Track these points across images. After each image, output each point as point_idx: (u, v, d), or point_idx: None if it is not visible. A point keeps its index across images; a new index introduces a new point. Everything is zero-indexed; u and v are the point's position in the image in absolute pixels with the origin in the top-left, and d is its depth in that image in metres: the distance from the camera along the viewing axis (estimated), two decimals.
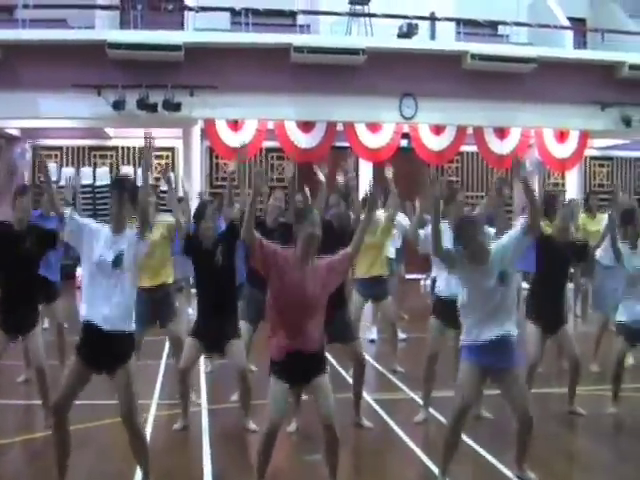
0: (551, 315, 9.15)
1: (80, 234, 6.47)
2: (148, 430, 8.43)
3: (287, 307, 6.31)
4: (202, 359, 11.96)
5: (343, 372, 10.92)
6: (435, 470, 7.20)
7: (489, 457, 7.75)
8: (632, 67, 22.88)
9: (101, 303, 6.32)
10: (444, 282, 8.93)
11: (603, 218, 12.20)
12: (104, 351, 6.36)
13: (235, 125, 22.13)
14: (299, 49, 20.57)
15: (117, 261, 6.37)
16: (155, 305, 9.25)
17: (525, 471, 7.10)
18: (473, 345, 6.80)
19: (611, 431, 9.05)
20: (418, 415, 9.08)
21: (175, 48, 20.06)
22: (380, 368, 11.80)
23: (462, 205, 9.09)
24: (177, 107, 20.29)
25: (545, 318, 9.12)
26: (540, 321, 9.11)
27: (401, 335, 13.66)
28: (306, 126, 22.46)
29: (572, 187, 25.69)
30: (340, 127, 22.83)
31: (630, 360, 11.71)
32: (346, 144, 22.89)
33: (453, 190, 9.46)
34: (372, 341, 13.89)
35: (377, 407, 9.64)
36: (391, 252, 14.14)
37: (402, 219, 13.78)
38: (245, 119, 21.99)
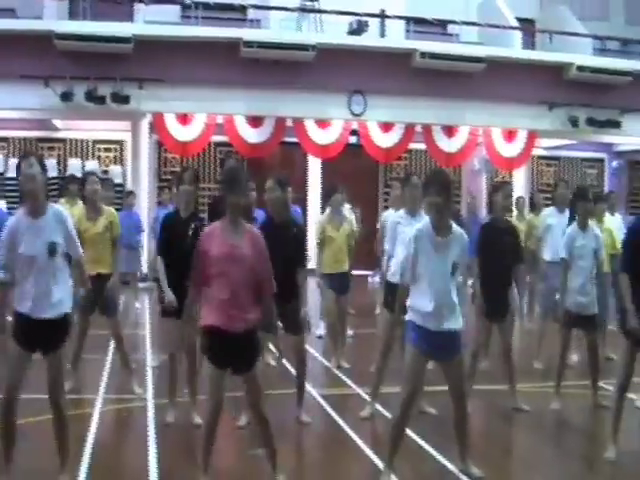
0: (496, 302, 9.18)
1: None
2: (93, 425, 8.38)
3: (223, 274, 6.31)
4: (148, 354, 11.93)
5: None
6: (381, 465, 7.22)
7: (433, 452, 7.79)
8: (580, 68, 23.13)
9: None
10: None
11: (548, 215, 12.33)
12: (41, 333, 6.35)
13: (184, 119, 22.01)
14: (249, 44, 20.51)
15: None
16: (95, 294, 9.22)
17: (469, 465, 7.15)
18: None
19: (555, 428, 9.15)
20: (364, 410, 9.10)
21: (124, 40, 19.90)
22: (327, 364, 11.82)
23: (417, 187, 9.01)
24: (126, 100, 20.14)
25: (491, 305, 9.17)
26: (486, 308, 9.18)
27: (348, 332, 13.72)
28: (255, 121, 22.41)
29: (519, 186, 25.86)
30: (289, 123, 22.81)
31: (575, 357, 11.82)
32: (295, 140, 22.91)
33: (408, 175, 9.61)
34: (320, 337, 13.88)
35: (324, 403, 9.65)
36: None
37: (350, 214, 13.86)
38: (194, 113, 21.89)
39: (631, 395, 9.84)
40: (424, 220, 7.03)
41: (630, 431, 8.44)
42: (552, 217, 12.11)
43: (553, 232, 11.92)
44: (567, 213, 11.15)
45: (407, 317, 6.98)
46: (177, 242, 8.44)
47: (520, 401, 9.44)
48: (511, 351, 9.40)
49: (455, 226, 6.93)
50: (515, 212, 15.95)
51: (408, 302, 6.95)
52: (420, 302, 6.79)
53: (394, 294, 8.47)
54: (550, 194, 13.33)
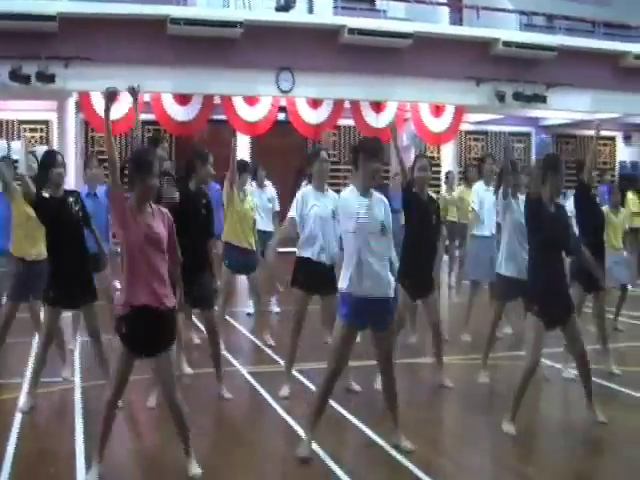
0: (422, 277, 9.20)
1: None
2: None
3: (138, 252, 6.27)
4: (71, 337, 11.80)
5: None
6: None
7: (363, 427, 7.85)
8: (506, 44, 23.34)
9: None
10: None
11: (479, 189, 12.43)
12: None
13: None
14: (176, 21, 20.34)
15: None
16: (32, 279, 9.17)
17: (400, 439, 7.22)
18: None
19: (484, 399, 9.23)
20: (282, 389, 9.08)
21: (49, 18, 19.59)
22: (256, 341, 11.83)
23: (326, 162, 9.01)
24: (51, 79, 19.89)
25: (417, 280, 9.17)
26: (412, 285, 9.18)
27: (275, 308, 13.77)
28: (183, 99, 22.29)
29: (447, 160, 26.08)
30: (217, 100, 22.71)
31: (508, 329, 12.01)
32: (223, 117, 22.82)
33: (317, 149, 9.60)
34: (249, 314, 13.89)
35: (252, 380, 9.68)
36: (269, 225, 14.10)
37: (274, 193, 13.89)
38: (121, 91, 21.56)
39: (558, 365, 10.06)
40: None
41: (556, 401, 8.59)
42: (482, 191, 12.23)
43: (483, 206, 12.03)
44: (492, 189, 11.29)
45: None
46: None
47: (446, 377, 9.51)
48: (439, 326, 9.44)
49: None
50: (444, 186, 16.07)
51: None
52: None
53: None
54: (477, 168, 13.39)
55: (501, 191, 9.51)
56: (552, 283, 7.72)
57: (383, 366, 7.23)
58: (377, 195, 7.08)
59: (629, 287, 13.08)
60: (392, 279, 7.07)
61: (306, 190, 8.83)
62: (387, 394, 7.32)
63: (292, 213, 8.79)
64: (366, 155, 6.95)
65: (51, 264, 8.34)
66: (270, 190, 13.93)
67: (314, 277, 8.70)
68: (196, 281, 8.38)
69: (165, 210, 6.56)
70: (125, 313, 6.29)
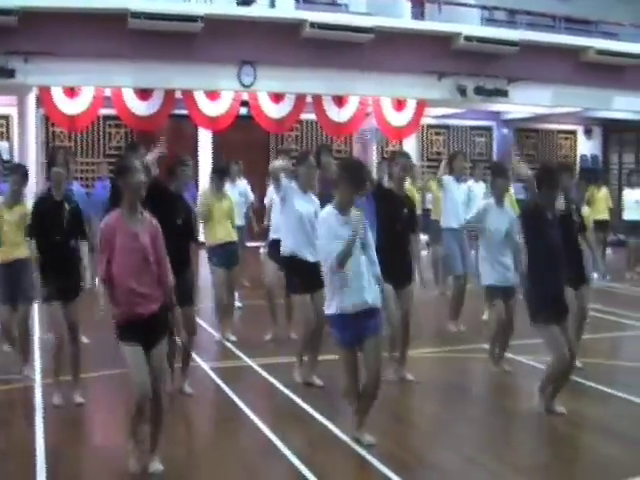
0: (399, 270, 9.18)
1: None
2: None
3: (128, 263, 6.29)
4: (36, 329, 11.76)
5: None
6: (273, 437, 7.27)
7: (327, 423, 7.85)
8: (467, 38, 23.33)
9: None
10: None
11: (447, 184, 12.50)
12: None
13: (71, 92, 21.59)
14: (136, 15, 20.14)
15: None
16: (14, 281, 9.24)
17: (362, 433, 7.24)
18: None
19: (449, 393, 9.29)
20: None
21: (9, 12, 19.29)
22: (218, 336, 11.80)
23: (314, 167, 9.12)
24: (11, 74, 19.65)
25: (395, 274, 9.16)
26: (391, 279, 9.16)
27: (237, 303, 13.79)
28: (144, 94, 22.12)
29: (410, 154, 26.10)
30: (179, 95, 22.59)
31: (484, 316, 12.17)
32: (185, 112, 22.73)
33: (305, 153, 9.67)
34: (240, 308, 13.99)
35: (214, 375, 9.67)
36: (240, 219, 14.20)
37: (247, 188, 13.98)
38: (82, 86, 21.48)
39: (519, 358, 10.14)
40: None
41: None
42: (451, 186, 12.32)
43: (452, 201, 12.16)
44: (464, 185, 11.42)
45: None
46: (51, 225, 8.42)
47: (407, 370, 9.53)
48: (408, 315, 9.44)
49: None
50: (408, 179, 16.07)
51: None
52: None
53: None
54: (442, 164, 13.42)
55: (493, 198, 9.69)
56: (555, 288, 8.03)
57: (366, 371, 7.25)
58: (355, 212, 7.12)
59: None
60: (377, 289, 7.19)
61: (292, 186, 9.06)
62: (366, 400, 7.34)
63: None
64: (350, 182, 7.05)
65: (41, 262, 8.42)
66: (242, 184, 14.23)
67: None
68: (178, 278, 8.38)
69: (154, 221, 6.54)
70: (120, 323, 6.38)
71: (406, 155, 9.78)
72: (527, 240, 8.27)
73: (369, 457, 6.91)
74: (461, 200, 12.28)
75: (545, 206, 8.04)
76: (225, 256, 11.66)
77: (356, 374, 7.28)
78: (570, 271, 9.22)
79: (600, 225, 18.15)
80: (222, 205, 11.70)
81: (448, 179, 12.48)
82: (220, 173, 11.94)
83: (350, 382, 7.27)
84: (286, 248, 9.15)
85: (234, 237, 11.83)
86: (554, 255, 8.01)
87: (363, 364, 7.18)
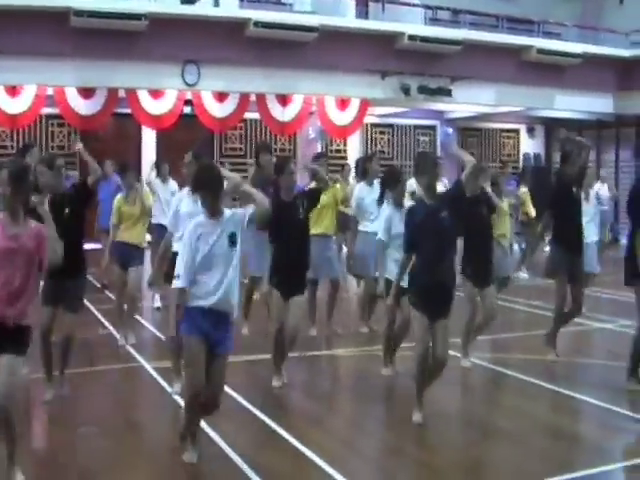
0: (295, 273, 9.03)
1: None
2: None
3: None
4: None
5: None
6: (217, 438, 7.27)
7: (266, 419, 7.88)
8: (411, 38, 23.48)
9: None
10: None
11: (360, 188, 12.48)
12: None
13: (13, 91, 21.40)
14: (79, 13, 19.99)
15: None
16: None
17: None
18: None
19: (383, 390, 9.34)
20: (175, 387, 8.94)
21: None
22: (161, 336, 11.73)
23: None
24: None
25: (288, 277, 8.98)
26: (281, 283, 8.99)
27: (157, 304, 13.75)
28: (87, 92, 21.99)
29: (353, 153, 26.22)
30: (122, 93, 22.47)
31: (374, 325, 12.21)
32: (128, 111, 22.61)
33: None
34: (158, 309, 13.85)
35: (157, 376, 9.62)
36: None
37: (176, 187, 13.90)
38: (23, 85, 21.30)
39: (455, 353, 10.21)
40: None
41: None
42: (362, 190, 12.32)
43: (364, 204, 12.16)
44: (376, 187, 11.45)
45: None
46: None
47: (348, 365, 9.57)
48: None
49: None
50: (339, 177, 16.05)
51: None
52: None
53: None
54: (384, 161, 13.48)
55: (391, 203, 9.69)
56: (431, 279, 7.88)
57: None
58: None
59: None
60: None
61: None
62: None
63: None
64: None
65: None
66: (173, 184, 14.07)
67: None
68: (70, 282, 8.35)
69: (40, 226, 6.37)
70: None
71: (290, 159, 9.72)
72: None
73: (309, 453, 6.94)
74: (372, 206, 12.26)
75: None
76: (123, 255, 11.27)
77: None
78: (477, 270, 9.29)
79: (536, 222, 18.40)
80: (132, 207, 11.32)
81: (359, 186, 12.43)
82: (121, 171, 11.66)
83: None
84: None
85: (140, 241, 11.44)
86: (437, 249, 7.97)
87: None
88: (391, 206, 9.53)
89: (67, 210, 8.48)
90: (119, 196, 11.46)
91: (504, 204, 12.18)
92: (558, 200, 10.50)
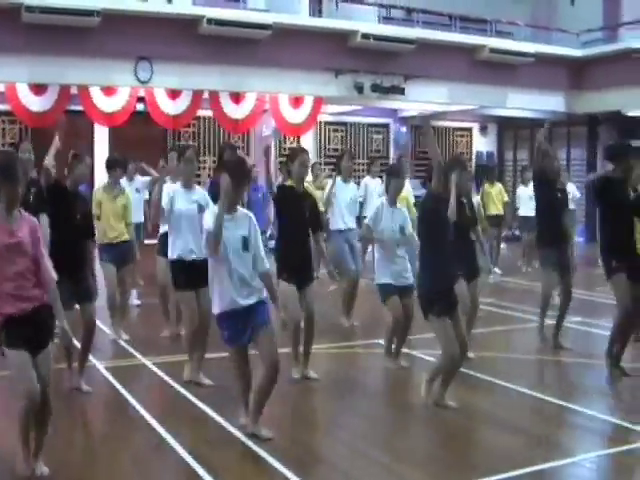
0: (301, 270, 9.23)
1: None
2: None
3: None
4: None
5: None
6: (167, 436, 7.26)
7: (221, 420, 7.85)
8: (364, 36, 23.47)
9: None
10: None
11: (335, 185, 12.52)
12: None
13: None
14: (30, 9, 19.76)
15: None
16: None
17: (259, 427, 7.27)
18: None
19: (342, 389, 9.34)
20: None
21: None
22: (112, 335, 11.69)
23: (193, 161, 9.13)
24: None
25: (297, 273, 9.18)
26: (292, 278, 9.16)
27: (135, 301, 13.68)
28: (38, 89, 21.77)
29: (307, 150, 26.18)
30: (74, 90, 22.29)
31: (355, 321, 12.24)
32: (80, 108, 22.44)
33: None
34: (138, 306, 13.85)
35: (108, 375, 9.58)
36: (138, 216, 14.10)
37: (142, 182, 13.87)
38: None
39: (414, 352, 10.26)
40: None
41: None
42: (338, 187, 12.37)
43: (338, 201, 12.21)
44: (352, 184, 11.49)
45: None
46: None
47: (310, 367, 9.56)
48: (313, 316, 9.42)
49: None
50: (311, 177, 16.07)
51: None
52: None
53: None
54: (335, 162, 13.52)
55: (386, 198, 9.81)
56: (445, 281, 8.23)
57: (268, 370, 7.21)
58: (242, 211, 7.29)
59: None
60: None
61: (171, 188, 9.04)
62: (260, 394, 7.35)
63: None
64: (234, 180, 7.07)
65: None
66: (139, 180, 14.16)
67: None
68: (75, 277, 8.35)
69: (32, 218, 6.41)
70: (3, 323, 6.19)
71: (304, 151, 9.78)
72: (422, 235, 8.42)
73: (264, 454, 6.92)
74: (347, 202, 12.34)
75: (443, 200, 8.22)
76: (116, 255, 11.50)
77: (247, 371, 7.34)
78: (463, 264, 9.42)
79: (494, 220, 18.54)
80: (115, 203, 11.56)
81: (337, 180, 12.52)
82: (114, 167, 11.73)
83: (241, 380, 7.35)
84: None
85: (126, 236, 11.67)
86: (445, 248, 8.16)
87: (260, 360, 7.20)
88: (386, 200, 9.70)
89: (79, 211, 8.66)
90: (100, 190, 11.63)
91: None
92: (541, 196, 10.81)
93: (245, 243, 7.09)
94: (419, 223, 8.45)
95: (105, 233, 11.43)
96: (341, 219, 12.21)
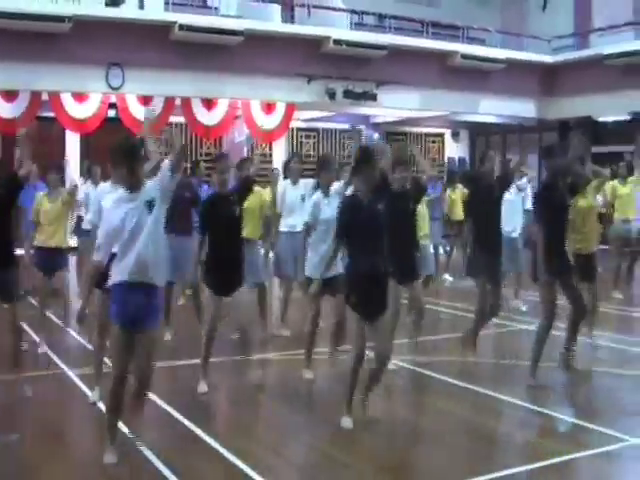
0: (229, 276, 9.08)
1: None
2: None
3: None
4: None
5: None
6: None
7: (188, 423, 7.86)
8: (336, 42, 23.59)
9: None
10: None
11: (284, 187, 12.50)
12: None
13: None
14: (1, 15, 19.71)
15: None
16: None
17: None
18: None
19: (306, 394, 9.38)
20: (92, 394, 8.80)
21: None
22: (84, 342, 11.63)
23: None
24: None
25: (222, 279, 9.04)
26: (215, 283, 9.03)
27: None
28: (9, 95, 21.69)
29: (279, 157, 26.22)
30: (45, 97, 22.23)
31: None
32: (52, 114, 22.37)
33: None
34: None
35: (78, 381, 9.53)
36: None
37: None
38: None
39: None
40: None
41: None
42: (287, 189, 12.36)
43: (287, 203, 12.21)
44: (300, 184, 11.50)
45: None
46: None
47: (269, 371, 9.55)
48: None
49: None
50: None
51: None
52: None
53: None
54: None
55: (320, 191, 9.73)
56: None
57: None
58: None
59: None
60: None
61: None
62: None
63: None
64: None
65: None
66: (104, 186, 13.77)
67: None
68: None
69: None
70: None
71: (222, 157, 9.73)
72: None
73: (232, 458, 6.93)
74: (295, 203, 12.33)
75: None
76: (45, 261, 11.12)
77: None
78: (399, 266, 9.26)
79: (457, 225, 18.75)
80: (53, 206, 11.08)
81: (286, 182, 12.49)
82: (56, 171, 11.49)
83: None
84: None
85: (60, 242, 11.20)
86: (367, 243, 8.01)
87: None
88: (320, 192, 9.61)
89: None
90: (40, 195, 11.37)
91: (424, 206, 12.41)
92: (477, 202, 10.70)
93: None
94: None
95: (39, 236, 11.16)
96: (288, 220, 12.22)
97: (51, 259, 11.06)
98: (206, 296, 9.21)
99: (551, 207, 9.34)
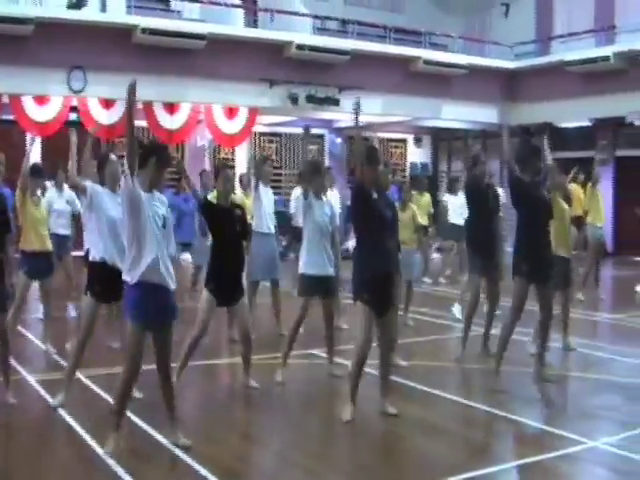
0: (230, 284, 9.13)
1: None
2: None
3: None
4: None
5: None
6: (97, 448, 7.20)
7: (150, 430, 7.82)
8: (299, 47, 23.62)
9: None
10: None
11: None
12: None
13: None
14: None
15: None
16: None
17: (178, 437, 7.32)
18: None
19: (276, 398, 9.35)
20: (56, 398, 8.74)
21: None
22: (44, 348, 11.54)
23: (116, 164, 9.08)
24: None
25: (224, 287, 9.09)
26: (218, 291, 9.09)
27: (73, 314, 13.52)
28: None
29: (242, 162, 26.16)
30: (6, 99, 22.07)
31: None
32: (12, 117, 22.21)
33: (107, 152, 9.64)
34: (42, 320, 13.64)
35: (39, 387, 9.46)
36: (67, 228, 13.88)
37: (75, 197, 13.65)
38: None
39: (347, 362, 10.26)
40: None
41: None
42: (262, 192, 12.37)
43: (263, 206, 12.25)
44: (269, 188, 11.54)
45: None
46: None
47: (251, 378, 9.52)
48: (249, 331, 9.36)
49: None
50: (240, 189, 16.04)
51: None
52: None
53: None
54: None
55: (301, 192, 9.79)
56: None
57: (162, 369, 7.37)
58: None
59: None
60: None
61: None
62: (166, 401, 7.47)
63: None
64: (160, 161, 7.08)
65: None
66: (68, 192, 13.64)
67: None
68: None
69: None
70: None
71: (229, 166, 9.76)
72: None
73: (195, 465, 6.89)
74: (270, 206, 12.40)
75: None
76: (36, 267, 11.02)
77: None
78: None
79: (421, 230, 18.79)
80: (37, 211, 10.98)
81: (261, 186, 12.51)
82: (34, 173, 11.33)
83: None
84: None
85: (49, 247, 11.16)
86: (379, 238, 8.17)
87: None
88: (312, 197, 9.67)
89: None
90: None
91: (408, 212, 12.49)
92: (473, 203, 10.94)
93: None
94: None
95: (28, 241, 11.07)
96: (265, 222, 12.26)
97: (40, 265, 11.10)
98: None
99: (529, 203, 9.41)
